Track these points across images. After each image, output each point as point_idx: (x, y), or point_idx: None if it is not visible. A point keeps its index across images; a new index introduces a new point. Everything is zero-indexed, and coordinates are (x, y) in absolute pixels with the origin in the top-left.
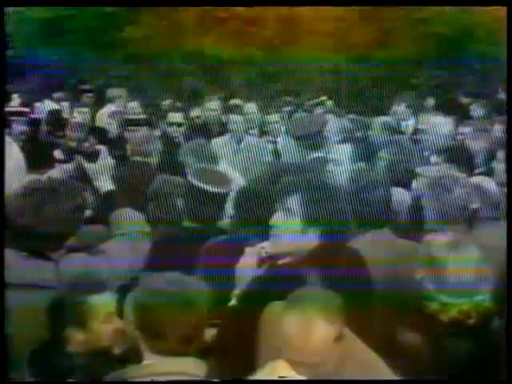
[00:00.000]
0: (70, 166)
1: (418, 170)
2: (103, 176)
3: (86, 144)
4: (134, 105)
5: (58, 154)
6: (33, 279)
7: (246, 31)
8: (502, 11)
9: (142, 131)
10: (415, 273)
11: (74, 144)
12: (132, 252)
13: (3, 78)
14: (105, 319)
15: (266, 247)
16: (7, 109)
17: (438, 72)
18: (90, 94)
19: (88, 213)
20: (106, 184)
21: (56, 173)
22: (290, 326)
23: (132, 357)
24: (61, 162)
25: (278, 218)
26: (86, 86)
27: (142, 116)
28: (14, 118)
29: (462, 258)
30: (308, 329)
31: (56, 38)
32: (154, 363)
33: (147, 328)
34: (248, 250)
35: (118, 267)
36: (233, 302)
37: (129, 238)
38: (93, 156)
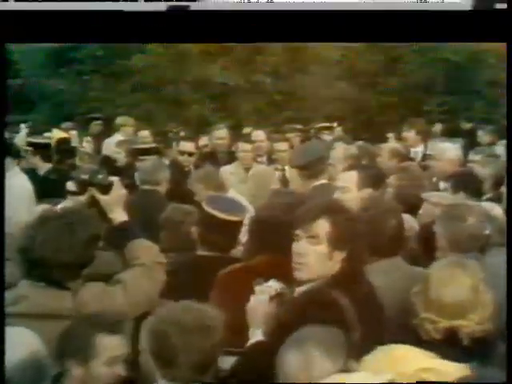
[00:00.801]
0: (82, 198)
1: (425, 195)
2: (117, 208)
3: (99, 176)
4: (144, 134)
5: (70, 185)
6: (50, 309)
7: (253, 59)
8: None
9: (151, 160)
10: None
11: (86, 176)
12: (148, 281)
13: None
14: (108, 361)
15: (273, 285)
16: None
17: (447, 98)
18: (99, 122)
19: (103, 242)
20: (120, 215)
21: (69, 203)
22: (290, 364)
23: None
24: (73, 193)
25: (302, 245)
26: (94, 115)
27: (151, 145)
28: (23, 147)
29: (459, 279)
30: (307, 366)
31: (62, 68)
32: None
33: (161, 355)
34: (258, 288)
35: (134, 296)
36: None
37: (145, 268)
38: (106, 188)
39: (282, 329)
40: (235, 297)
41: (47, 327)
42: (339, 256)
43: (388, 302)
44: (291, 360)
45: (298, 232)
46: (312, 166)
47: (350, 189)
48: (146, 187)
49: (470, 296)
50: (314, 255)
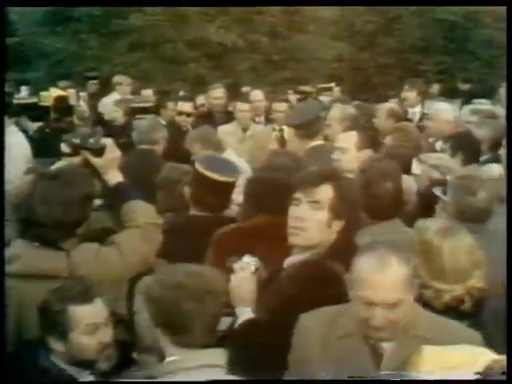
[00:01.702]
0: (76, 160)
1: (423, 157)
2: (111, 169)
3: (91, 140)
4: (146, 93)
5: (64, 147)
6: (44, 270)
7: (251, 18)
8: None
9: (148, 119)
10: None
11: (77, 140)
12: (144, 243)
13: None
14: (87, 331)
15: (250, 261)
16: (15, 100)
17: (443, 58)
18: (95, 81)
19: (98, 201)
20: (114, 177)
21: (63, 163)
22: (365, 264)
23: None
24: (67, 155)
25: (302, 210)
26: (92, 74)
27: (148, 104)
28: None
29: (456, 244)
30: (384, 266)
31: (59, 26)
32: (177, 359)
33: (172, 323)
34: (236, 266)
35: (129, 258)
36: None
37: (141, 229)
38: (99, 151)
39: (279, 305)
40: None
41: (41, 288)
42: (338, 225)
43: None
44: (367, 262)
45: (298, 195)
46: (308, 126)
47: (348, 149)
48: (143, 147)
49: (469, 259)
50: (314, 221)
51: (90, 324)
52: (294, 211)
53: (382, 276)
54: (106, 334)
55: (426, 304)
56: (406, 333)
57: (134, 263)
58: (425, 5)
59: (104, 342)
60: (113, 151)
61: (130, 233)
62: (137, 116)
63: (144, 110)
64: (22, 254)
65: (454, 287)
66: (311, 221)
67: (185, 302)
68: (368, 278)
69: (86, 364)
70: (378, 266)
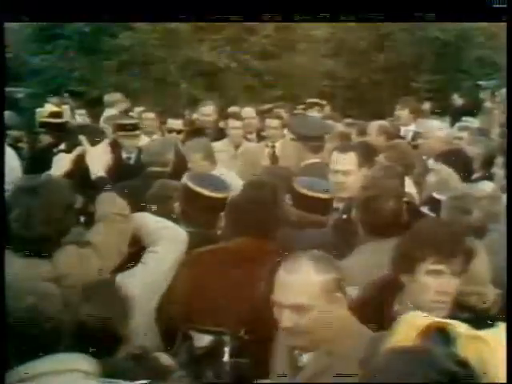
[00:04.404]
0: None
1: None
2: (99, 162)
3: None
4: (137, 110)
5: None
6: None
7: (242, 38)
8: None
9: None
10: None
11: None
12: (115, 234)
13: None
14: None
15: None
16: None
17: (435, 77)
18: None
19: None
20: (99, 170)
21: (48, 174)
22: (281, 269)
23: None
24: (62, 151)
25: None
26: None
27: (132, 121)
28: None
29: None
30: (296, 270)
31: (49, 44)
32: (40, 363)
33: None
34: None
35: (106, 253)
36: None
37: (108, 221)
38: (95, 142)
39: None
40: (202, 277)
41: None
42: None
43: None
44: (282, 267)
45: (438, 267)
46: (314, 141)
47: (350, 171)
48: (153, 169)
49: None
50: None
51: None
52: (436, 284)
53: (291, 279)
54: None
55: (472, 310)
56: (320, 346)
57: (110, 257)
58: (423, 21)
59: None
60: (106, 147)
61: (99, 227)
62: (120, 133)
63: (128, 127)
64: (8, 263)
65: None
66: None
67: None
68: (278, 280)
69: None
70: (291, 270)
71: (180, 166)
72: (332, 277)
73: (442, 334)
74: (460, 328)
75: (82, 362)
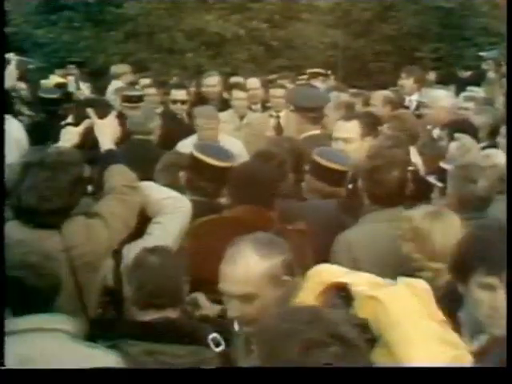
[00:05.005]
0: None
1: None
2: (107, 135)
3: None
4: (145, 82)
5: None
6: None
7: (248, 6)
8: None
9: (142, 109)
10: (402, 248)
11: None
12: (123, 206)
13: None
14: None
15: None
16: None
17: (440, 45)
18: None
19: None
20: (107, 143)
21: (55, 147)
22: (225, 258)
23: None
24: (71, 124)
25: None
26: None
27: (139, 92)
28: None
29: (442, 224)
30: (237, 259)
31: (53, 15)
32: (23, 320)
33: None
34: None
35: (114, 225)
36: None
37: (117, 193)
38: (103, 114)
39: None
40: (207, 247)
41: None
42: None
43: (389, 250)
44: (226, 256)
45: (490, 280)
46: (313, 112)
47: (352, 139)
48: (138, 137)
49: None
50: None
51: None
52: (488, 299)
53: (233, 268)
54: None
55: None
56: None
57: (118, 229)
58: None
59: None
60: (114, 119)
61: (107, 199)
62: (126, 104)
63: (135, 98)
64: (16, 234)
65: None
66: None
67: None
68: (222, 271)
69: None
70: (232, 259)
71: (168, 135)
72: (278, 261)
73: (343, 294)
74: (359, 287)
75: (66, 323)
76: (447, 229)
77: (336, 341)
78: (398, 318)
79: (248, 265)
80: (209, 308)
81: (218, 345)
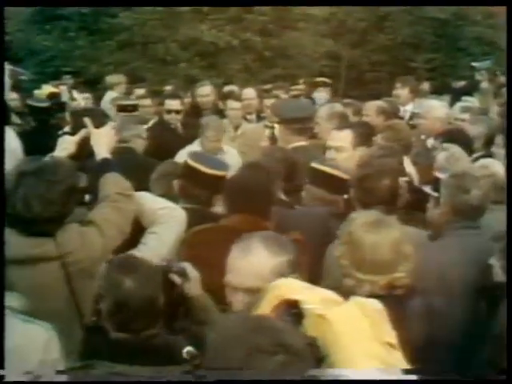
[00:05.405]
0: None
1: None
2: (103, 145)
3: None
4: (139, 92)
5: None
6: (33, 254)
7: (243, 17)
8: None
9: (123, 117)
10: (335, 250)
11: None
12: (117, 214)
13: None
14: None
15: None
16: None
17: (434, 55)
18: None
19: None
20: (103, 152)
21: (52, 155)
22: (233, 252)
23: None
24: (67, 134)
25: None
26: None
27: (134, 102)
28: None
29: (378, 237)
30: (247, 254)
31: (48, 24)
32: None
33: None
34: None
35: (109, 232)
36: None
37: (111, 200)
38: (99, 124)
39: None
40: (202, 256)
41: (29, 272)
42: None
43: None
44: (234, 250)
45: None
46: (299, 123)
47: (344, 148)
48: (121, 145)
49: (394, 252)
50: None
51: None
52: None
53: (243, 262)
54: None
55: (346, 292)
56: None
57: (112, 236)
58: (420, 5)
59: None
60: (111, 129)
61: (102, 206)
62: (121, 114)
63: (129, 108)
64: (11, 241)
65: (375, 278)
66: None
67: None
68: (231, 263)
69: None
70: (242, 252)
71: (162, 145)
72: (284, 259)
73: (294, 310)
74: (311, 305)
75: (10, 299)
76: (381, 242)
77: (281, 349)
78: (343, 338)
79: (259, 259)
80: (197, 278)
81: (193, 358)
